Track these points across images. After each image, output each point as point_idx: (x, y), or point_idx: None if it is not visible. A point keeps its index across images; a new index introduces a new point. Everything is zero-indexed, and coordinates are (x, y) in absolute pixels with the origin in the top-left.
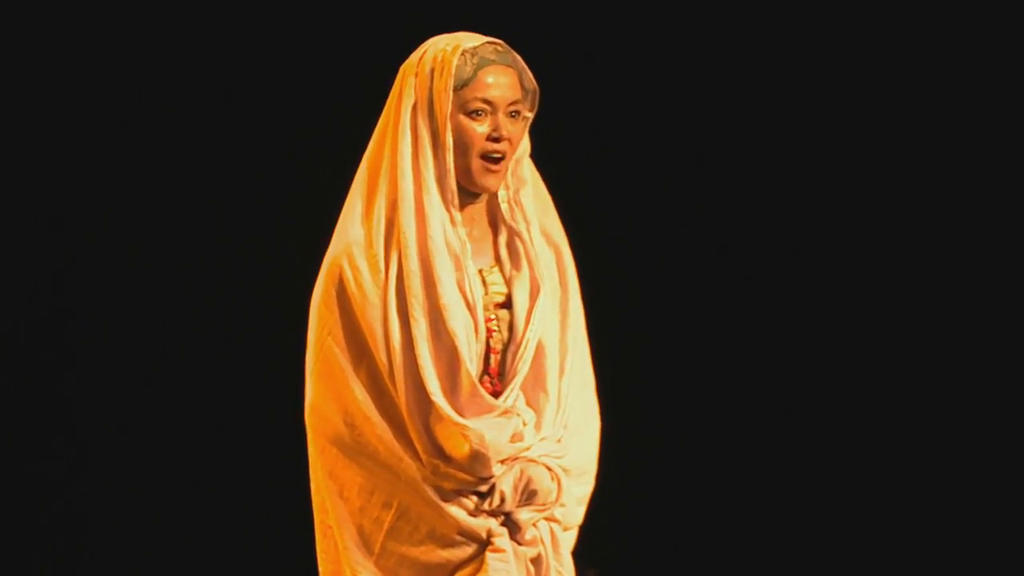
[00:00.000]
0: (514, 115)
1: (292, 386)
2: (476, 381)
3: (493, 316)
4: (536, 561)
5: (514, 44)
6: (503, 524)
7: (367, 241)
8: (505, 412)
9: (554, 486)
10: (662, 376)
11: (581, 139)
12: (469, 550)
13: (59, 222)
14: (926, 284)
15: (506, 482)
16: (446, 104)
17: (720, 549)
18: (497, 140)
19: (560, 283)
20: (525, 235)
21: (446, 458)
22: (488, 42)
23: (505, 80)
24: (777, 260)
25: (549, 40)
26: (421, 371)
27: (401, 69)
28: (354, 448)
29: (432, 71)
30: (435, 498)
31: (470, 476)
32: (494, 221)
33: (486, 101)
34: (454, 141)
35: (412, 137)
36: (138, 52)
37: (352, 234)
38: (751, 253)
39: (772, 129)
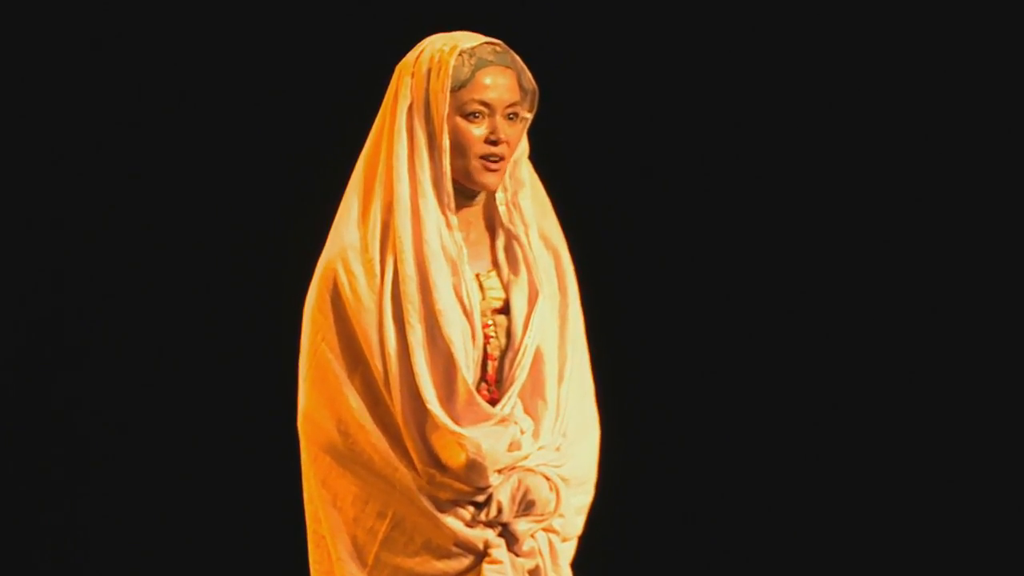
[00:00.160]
0: (512, 117)
1: (285, 393)
2: (473, 389)
3: (490, 322)
4: (534, 573)
5: (513, 44)
6: (500, 535)
7: (363, 245)
8: (502, 420)
9: (552, 496)
10: (662, 381)
11: (581, 140)
12: (466, 562)
13: (59, 222)
14: (926, 284)
15: (503, 492)
16: (443, 106)
17: (722, 555)
18: (495, 143)
19: (559, 288)
20: (523, 238)
21: (442, 467)
22: (486, 42)
23: (503, 81)
24: (778, 261)
25: (549, 40)
26: (417, 378)
27: (397, 68)
28: (348, 457)
29: (429, 71)
30: (431, 508)
31: (467, 486)
32: (491, 224)
33: (483, 103)
34: (451, 143)
35: (408, 139)
36: (138, 52)
37: (347, 238)
38: (752, 254)
39: (772, 129)
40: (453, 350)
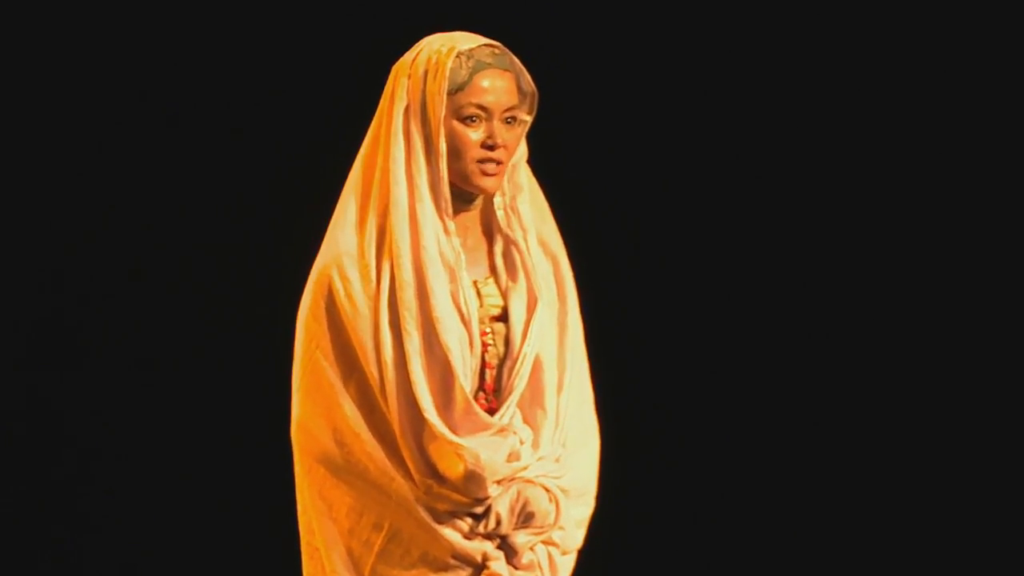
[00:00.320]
0: (510, 121)
1: (278, 402)
2: (471, 398)
3: (488, 330)
4: None
5: (512, 45)
6: (499, 547)
7: (359, 250)
8: (501, 430)
9: (552, 508)
10: (663, 388)
11: (581, 143)
12: (463, 574)
13: (59, 222)
14: (926, 284)
15: (502, 504)
16: (439, 109)
17: (722, 556)
18: (491, 148)
19: (558, 295)
20: (522, 244)
21: (440, 478)
22: (485, 44)
23: (501, 85)
24: (778, 262)
25: (548, 41)
26: (413, 387)
27: (394, 69)
28: (343, 467)
29: (426, 73)
30: (428, 520)
31: (464, 497)
32: (489, 230)
33: (481, 107)
34: (448, 147)
35: (405, 142)
36: (138, 53)
37: (343, 242)
38: (751, 257)
39: (772, 130)
40: (451, 358)
